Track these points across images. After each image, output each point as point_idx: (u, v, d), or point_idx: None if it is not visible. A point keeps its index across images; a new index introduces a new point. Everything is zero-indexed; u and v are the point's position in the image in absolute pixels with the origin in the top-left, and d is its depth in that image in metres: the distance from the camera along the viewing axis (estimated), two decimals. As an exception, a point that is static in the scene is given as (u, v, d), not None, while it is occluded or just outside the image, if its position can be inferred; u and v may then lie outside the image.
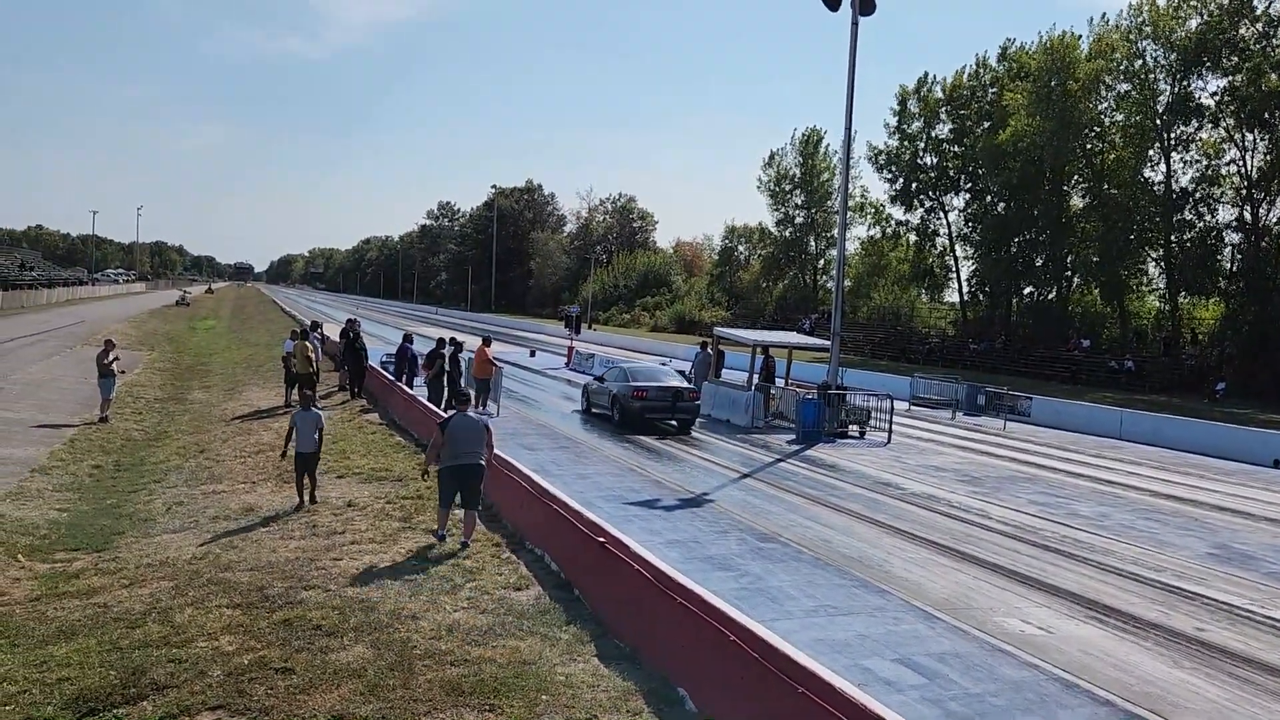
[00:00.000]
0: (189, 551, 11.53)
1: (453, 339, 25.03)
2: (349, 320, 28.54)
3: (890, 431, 23.42)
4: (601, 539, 9.48)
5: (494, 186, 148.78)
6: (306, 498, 13.57)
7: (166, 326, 59.74)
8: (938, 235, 64.75)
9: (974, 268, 61.85)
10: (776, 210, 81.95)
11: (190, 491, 15.29)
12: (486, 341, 24.43)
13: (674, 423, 23.09)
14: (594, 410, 25.04)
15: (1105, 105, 50.93)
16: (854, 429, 23.82)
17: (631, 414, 22.68)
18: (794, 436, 22.67)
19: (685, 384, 23.94)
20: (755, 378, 25.70)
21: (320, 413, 13.84)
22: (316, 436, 13.55)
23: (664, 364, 32.42)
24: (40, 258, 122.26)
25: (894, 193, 65.03)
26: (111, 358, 22.44)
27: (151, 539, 12.49)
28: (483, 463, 11.59)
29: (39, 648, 8.53)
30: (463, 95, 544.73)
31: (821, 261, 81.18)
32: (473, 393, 23.51)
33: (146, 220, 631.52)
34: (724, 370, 28.63)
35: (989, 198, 58.80)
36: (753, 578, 10.86)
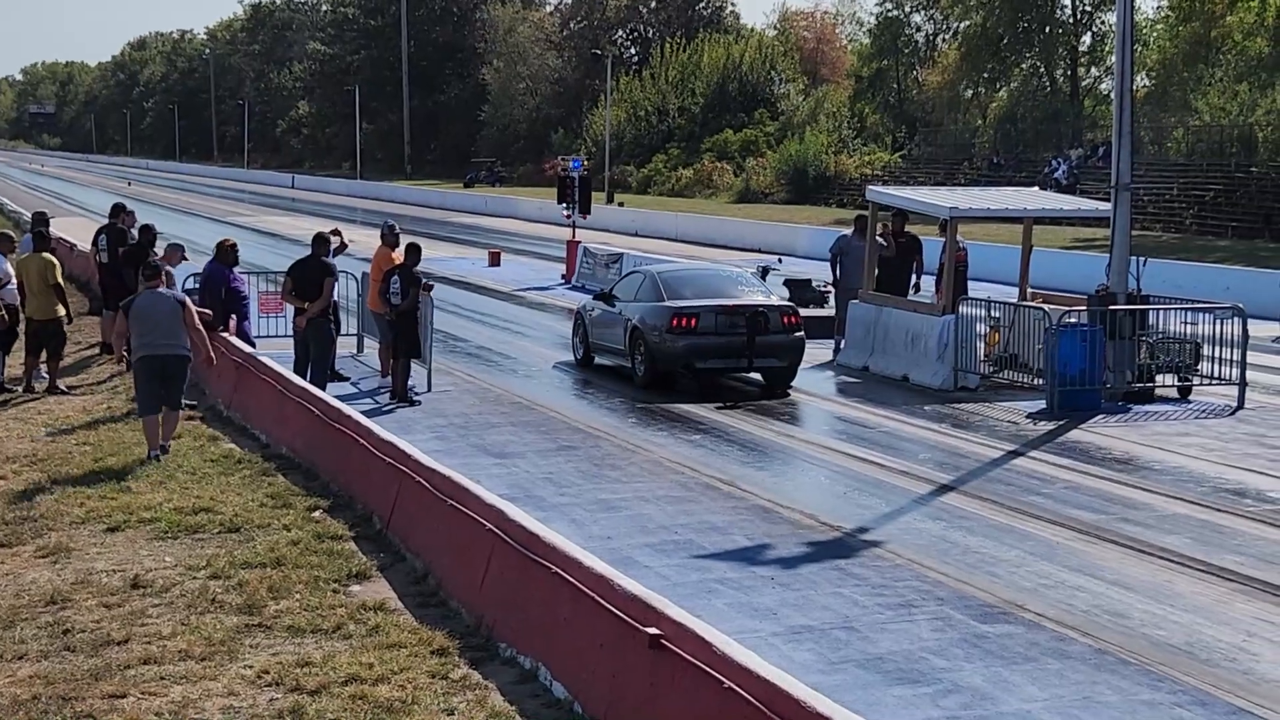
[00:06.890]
0: None
1: (335, 231, 24.89)
2: (118, 209, 28.73)
3: (1243, 384, 23.25)
4: (654, 630, 9.51)
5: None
6: None
7: None
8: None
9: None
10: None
11: None
12: (390, 239, 24.45)
13: (756, 375, 23.68)
14: (597, 358, 25.58)
15: None
16: (1166, 381, 23.81)
17: (669, 361, 23.21)
18: (1042, 404, 22.67)
19: (774, 300, 24.29)
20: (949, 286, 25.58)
21: None
22: None
23: (764, 269, 32.32)
24: None
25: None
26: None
27: None
28: (184, 352, 18.27)
29: None
30: None
31: (1085, 39, 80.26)
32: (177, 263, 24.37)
33: None
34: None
35: None
36: (969, 696, 10.90)
